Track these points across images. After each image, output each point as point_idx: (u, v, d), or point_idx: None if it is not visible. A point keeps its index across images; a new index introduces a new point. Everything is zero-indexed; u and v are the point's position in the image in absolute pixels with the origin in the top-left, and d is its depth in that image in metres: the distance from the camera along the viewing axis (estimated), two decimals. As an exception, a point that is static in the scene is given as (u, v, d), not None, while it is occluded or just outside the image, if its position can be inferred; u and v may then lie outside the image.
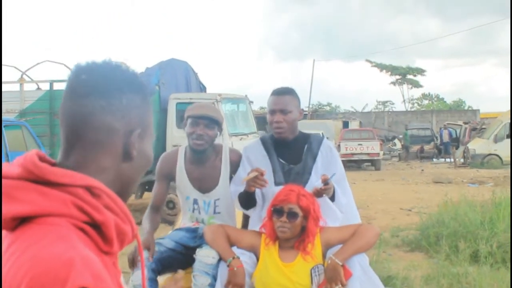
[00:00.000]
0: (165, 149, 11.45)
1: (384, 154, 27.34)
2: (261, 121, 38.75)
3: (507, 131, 22.42)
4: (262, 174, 3.00)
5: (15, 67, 14.01)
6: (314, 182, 3.12)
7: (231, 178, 3.47)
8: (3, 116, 12.00)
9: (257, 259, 3.04)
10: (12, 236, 1.00)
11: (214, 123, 3.37)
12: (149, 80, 11.46)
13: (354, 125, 34.68)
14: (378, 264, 6.76)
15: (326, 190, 3.00)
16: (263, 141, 3.40)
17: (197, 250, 3.17)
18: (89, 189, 1.06)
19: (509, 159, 20.31)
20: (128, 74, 1.19)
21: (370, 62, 56.16)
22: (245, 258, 3.02)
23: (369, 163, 24.71)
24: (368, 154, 24.02)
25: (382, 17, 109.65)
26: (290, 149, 3.32)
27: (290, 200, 2.92)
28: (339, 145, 24.64)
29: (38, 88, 13.38)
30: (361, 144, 24.07)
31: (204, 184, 3.47)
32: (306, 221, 2.95)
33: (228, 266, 2.94)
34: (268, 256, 2.99)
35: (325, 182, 2.96)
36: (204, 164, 3.46)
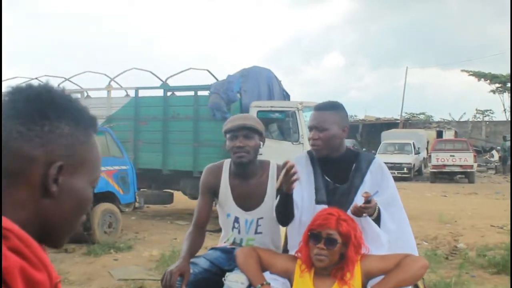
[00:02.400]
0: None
1: (479, 166, 26.10)
2: (350, 129, 38.27)
3: None
4: (291, 167, 2.72)
5: (105, 74, 14.40)
6: (360, 203, 2.82)
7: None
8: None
9: (291, 286, 2.80)
10: None
11: (253, 132, 3.17)
12: (230, 87, 11.42)
13: (448, 135, 33.43)
14: (459, 286, 6.31)
15: (367, 209, 2.72)
16: (311, 155, 3.17)
17: (227, 274, 2.98)
18: None
19: None
20: (61, 99, 1.05)
21: (467, 71, 53.67)
22: (278, 284, 2.81)
23: (462, 175, 23.66)
24: (460, 166, 23.01)
25: (482, 21, 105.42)
26: (336, 167, 3.08)
27: (329, 225, 2.67)
28: (430, 156, 23.75)
29: (127, 95, 13.65)
30: (453, 156, 23.10)
31: (248, 201, 3.26)
32: (345, 248, 2.68)
33: None
34: (302, 284, 2.75)
35: (366, 200, 2.69)
36: (249, 180, 3.25)
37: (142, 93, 13.42)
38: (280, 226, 3.29)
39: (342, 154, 3.08)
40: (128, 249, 9.45)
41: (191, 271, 3.00)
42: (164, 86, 13.05)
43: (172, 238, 10.17)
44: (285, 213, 3.04)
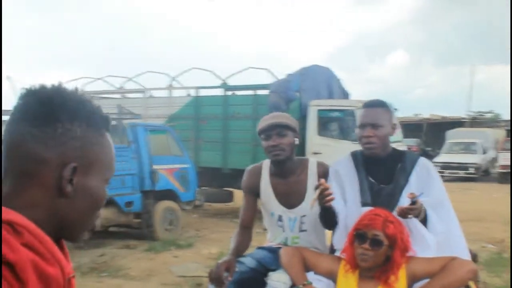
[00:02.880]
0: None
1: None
2: (415, 128, 37.25)
3: None
4: (326, 188, 2.69)
5: (166, 74, 14.63)
6: (406, 205, 2.74)
7: None
8: (152, 121, 12.58)
9: (335, 287, 2.77)
10: None
11: (286, 129, 3.14)
12: (289, 86, 11.41)
13: (518, 134, 32.21)
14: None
15: (412, 211, 2.64)
16: (354, 156, 3.12)
17: (270, 273, 2.98)
18: (11, 224, 0.97)
19: None
20: (72, 101, 1.07)
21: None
22: (322, 285, 2.78)
23: (534, 177, 22.77)
24: (530, 166, 22.12)
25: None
26: (381, 167, 3.02)
27: (375, 226, 2.61)
28: (497, 156, 22.97)
29: (189, 95, 13.83)
30: (522, 155, 22.23)
31: (290, 199, 3.25)
32: (391, 250, 2.62)
33: None
34: (345, 285, 2.71)
35: (412, 201, 2.61)
36: (289, 178, 3.25)
37: (202, 93, 13.57)
38: None
39: (388, 154, 3.02)
40: (188, 246, 9.58)
41: (237, 269, 3.02)
42: (224, 85, 13.15)
43: (232, 237, 10.23)
44: (326, 222, 3.04)
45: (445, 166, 23.74)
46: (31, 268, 0.95)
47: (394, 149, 3.08)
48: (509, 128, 33.68)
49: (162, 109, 13.71)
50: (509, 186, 20.80)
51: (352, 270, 2.70)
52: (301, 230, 3.26)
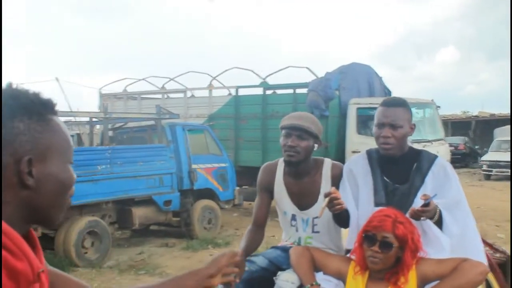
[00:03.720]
0: (345, 156, 11.20)
1: None
2: (463, 126, 36.35)
3: None
4: (336, 198, 2.64)
5: (207, 74, 14.71)
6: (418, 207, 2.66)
7: None
8: (192, 121, 12.68)
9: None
10: None
11: (308, 134, 3.08)
12: (328, 84, 11.32)
13: None
14: None
15: (425, 212, 2.55)
16: (369, 155, 3.04)
17: (279, 273, 2.94)
18: None
19: None
20: (7, 100, 1.09)
21: None
22: (331, 286, 2.73)
23: None
24: None
25: None
26: (396, 167, 2.93)
27: (385, 228, 2.53)
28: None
29: (229, 94, 13.88)
30: None
31: (303, 200, 3.21)
32: (402, 252, 2.54)
33: None
34: (354, 286, 2.65)
35: (424, 203, 2.52)
36: (303, 178, 3.20)
37: (243, 92, 13.59)
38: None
39: (404, 153, 2.93)
40: (226, 245, 9.62)
41: (247, 268, 2.97)
42: (264, 84, 13.14)
43: (270, 236, 10.22)
44: (340, 223, 3.00)
45: (493, 164, 23.12)
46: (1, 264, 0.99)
47: (411, 148, 2.98)
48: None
49: (202, 109, 13.81)
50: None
51: (361, 271, 2.64)
52: (314, 231, 3.21)
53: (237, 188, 11.42)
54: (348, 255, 2.91)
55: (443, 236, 2.71)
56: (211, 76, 14.46)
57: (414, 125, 2.94)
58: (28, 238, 1.16)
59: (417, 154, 2.95)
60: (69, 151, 1.19)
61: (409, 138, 3.00)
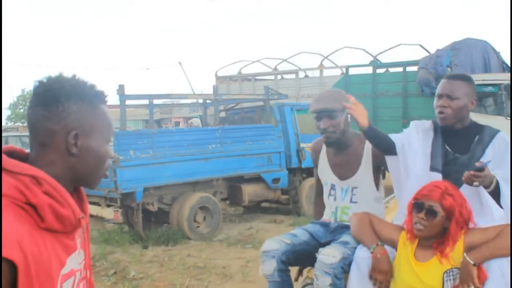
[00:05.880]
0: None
1: None
2: None
3: None
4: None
5: (319, 54, 14.86)
6: None
7: (374, 168, 3.33)
8: (304, 101, 12.89)
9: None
10: None
11: (334, 112, 3.24)
12: (438, 61, 11.09)
13: None
14: None
15: (478, 178, 2.60)
16: (435, 124, 3.12)
17: (320, 249, 3.08)
18: (34, 177, 1.32)
19: None
20: (68, 86, 1.42)
21: None
22: (387, 248, 2.87)
23: None
24: None
25: None
26: (458, 138, 3.01)
27: (432, 197, 2.64)
28: None
29: (342, 73, 13.95)
30: None
31: (343, 170, 3.38)
32: (448, 222, 2.63)
33: (371, 253, 2.83)
34: (403, 254, 2.76)
35: (478, 167, 2.58)
36: (344, 150, 3.38)
37: (354, 71, 13.61)
38: (383, 208, 3.43)
39: (466, 126, 3.00)
40: (333, 222, 9.78)
41: (289, 241, 3.19)
42: (373, 63, 13.08)
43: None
44: (379, 142, 3.14)
45: None
46: (48, 209, 1.31)
47: (474, 122, 3.05)
48: None
49: (313, 89, 13.99)
50: None
51: (411, 239, 2.76)
52: (352, 202, 3.37)
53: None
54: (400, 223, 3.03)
55: (495, 207, 2.77)
56: (323, 56, 14.61)
57: (476, 100, 3.00)
58: (77, 193, 1.51)
59: (479, 128, 3.02)
60: (109, 133, 1.51)
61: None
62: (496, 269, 2.54)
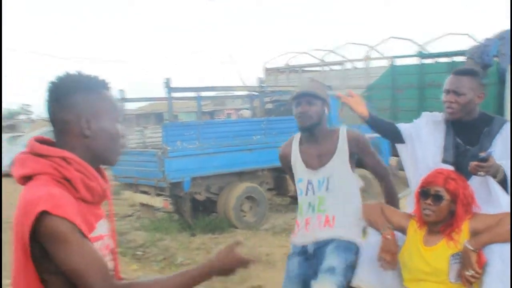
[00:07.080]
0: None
1: None
2: None
3: None
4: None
5: (366, 45, 14.87)
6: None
7: (351, 155, 3.37)
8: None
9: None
10: (24, 187, 1.65)
11: (315, 99, 3.30)
12: (485, 51, 10.98)
13: None
14: None
15: (482, 168, 2.74)
16: (447, 117, 3.23)
17: (312, 282, 3.14)
18: (64, 158, 1.65)
19: None
20: (74, 80, 1.71)
21: None
22: (396, 233, 3.03)
23: None
24: None
25: None
26: (468, 130, 3.13)
27: (437, 183, 2.80)
28: None
29: (389, 64, 13.92)
30: None
31: (317, 160, 3.40)
32: (454, 205, 2.79)
33: (381, 234, 3.01)
34: (413, 240, 2.93)
35: (481, 157, 2.72)
36: (318, 141, 3.38)
37: (401, 62, 13.58)
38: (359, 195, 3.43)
39: (475, 118, 3.12)
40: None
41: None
42: (420, 53, 13.02)
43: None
44: (383, 130, 3.33)
45: None
46: (80, 182, 1.64)
47: (484, 114, 3.16)
48: None
49: (360, 80, 14.02)
50: None
51: (420, 226, 2.93)
52: (328, 189, 3.35)
53: (392, 157, 11.55)
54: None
55: (503, 196, 2.88)
56: (370, 47, 14.61)
57: (483, 93, 3.12)
58: (99, 172, 1.78)
59: (489, 119, 3.14)
60: (116, 113, 1.78)
61: None
62: (496, 256, 2.68)
